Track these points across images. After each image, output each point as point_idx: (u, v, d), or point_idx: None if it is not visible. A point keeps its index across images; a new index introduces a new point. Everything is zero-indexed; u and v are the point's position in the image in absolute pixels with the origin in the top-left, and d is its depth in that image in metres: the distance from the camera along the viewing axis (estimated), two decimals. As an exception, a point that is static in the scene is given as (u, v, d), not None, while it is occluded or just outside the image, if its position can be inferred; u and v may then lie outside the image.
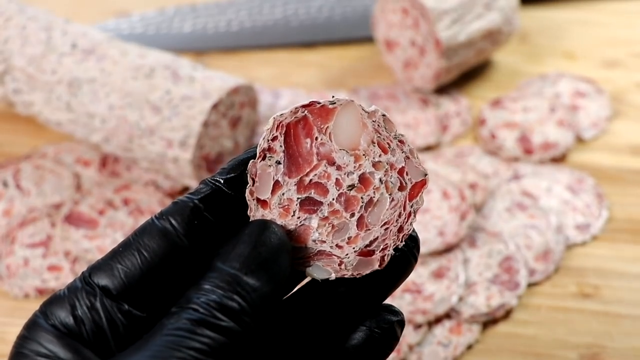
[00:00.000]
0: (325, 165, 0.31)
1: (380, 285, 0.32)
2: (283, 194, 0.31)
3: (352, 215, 0.31)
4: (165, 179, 0.64)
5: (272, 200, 0.31)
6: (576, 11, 0.87)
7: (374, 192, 0.31)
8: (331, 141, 0.31)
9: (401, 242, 0.31)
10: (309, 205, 0.31)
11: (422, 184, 0.31)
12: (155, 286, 0.30)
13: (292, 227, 0.31)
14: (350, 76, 0.78)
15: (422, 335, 0.54)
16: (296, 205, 0.31)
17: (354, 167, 0.31)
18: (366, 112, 0.31)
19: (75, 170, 0.66)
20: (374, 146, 0.31)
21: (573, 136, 0.69)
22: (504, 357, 0.53)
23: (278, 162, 0.31)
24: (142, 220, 0.60)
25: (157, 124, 0.59)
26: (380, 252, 0.31)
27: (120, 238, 0.59)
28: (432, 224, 0.59)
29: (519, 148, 0.68)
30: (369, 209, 0.31)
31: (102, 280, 0.29)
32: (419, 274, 0.57)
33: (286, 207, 0.31)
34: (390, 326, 0.32)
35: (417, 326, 0.54)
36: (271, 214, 0.31)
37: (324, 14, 0.83)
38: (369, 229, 0.31)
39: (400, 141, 0.31)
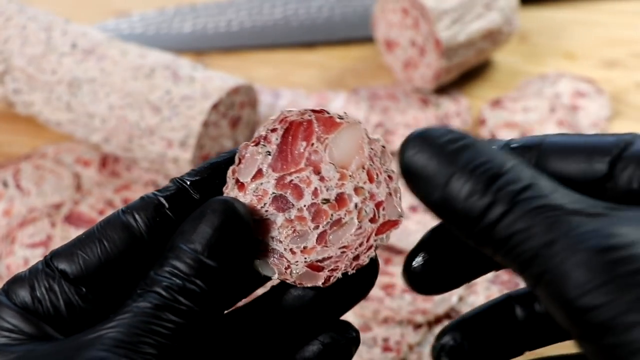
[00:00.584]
0: (310, 172, 0.32)
1: (338, 301, 0.32)
2: (261, 184, 0.32)
3: (317, 227, 0.32)
4: (165, 179, 0.64)
5: (250, 186, 0.32)
6: (576, 11, 0.87)
7: (346, 214, 0.32)
8: (325, 152, 0.32)
9: (353, 269, 0.32)
10: (281, 203, 0.32)
11: (394, 223, 0.32)
12: (113, 275, 0.30)
13: (257, 217, 0.32)
14: (350, 76, 0.78)
15: (422, 335, 0.54)
16: (269, 198, 0.32)
17: (336, 183, 0.32)
18: (368, 137, 0.32)
19: (75, 170, 0.66)
20: (363, 172, 0.32)
21: (573, 136, 0.69)
22: (504, 357, 0.53)
23: (268, 153, 0.32)
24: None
25: (157, 124, 0.60)
26: (329, 271, 0.32)
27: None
28: (432, 224, 0.59)
29: (519, 148, 0.68)
30: (334, 228, 0.32)
31: (61, 265, 0.30)
32: (419, 274, 0.57)
33: (259, 197, 0.32)
34: (346, 343, 0.33)
35: (417, 326, 0.54)
36: (244, 198, 0.32)
37: (324, 14, 0.83)
38: (327, 247, 0.32)
39: (390, 177, 0.32)
